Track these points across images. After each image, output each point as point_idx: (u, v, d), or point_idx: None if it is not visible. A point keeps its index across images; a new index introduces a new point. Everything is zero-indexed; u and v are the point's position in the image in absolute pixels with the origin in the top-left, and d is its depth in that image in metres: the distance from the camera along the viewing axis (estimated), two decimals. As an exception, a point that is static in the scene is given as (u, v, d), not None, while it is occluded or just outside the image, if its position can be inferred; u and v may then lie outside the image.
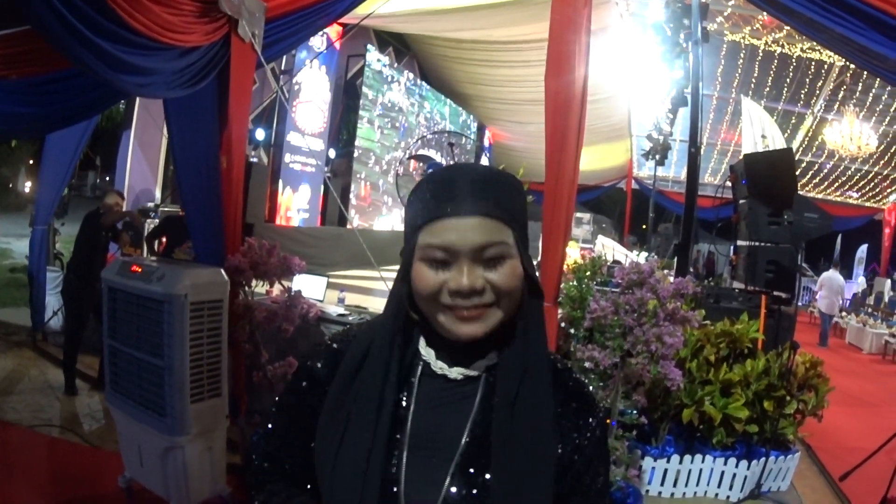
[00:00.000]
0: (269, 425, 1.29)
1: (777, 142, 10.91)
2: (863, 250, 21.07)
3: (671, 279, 3.97)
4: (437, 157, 14.63)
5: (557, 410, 1.16)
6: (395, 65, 14.80)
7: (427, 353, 1.17)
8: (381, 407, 1.10)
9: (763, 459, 4.77)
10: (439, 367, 1.15)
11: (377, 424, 1.09)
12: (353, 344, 1.19)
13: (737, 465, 4.80)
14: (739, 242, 6.63)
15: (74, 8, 2.97)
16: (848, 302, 16.97)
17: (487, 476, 1.08)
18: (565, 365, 1.26)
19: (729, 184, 6.88)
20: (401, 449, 1.11)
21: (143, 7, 3.36)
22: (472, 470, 1.09)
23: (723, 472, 4.81)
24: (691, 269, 6.80)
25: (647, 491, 4.73)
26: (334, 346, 1.23)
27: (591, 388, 1.27)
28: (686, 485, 4.80)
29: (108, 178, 28.26)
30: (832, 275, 14.66)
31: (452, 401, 1.15)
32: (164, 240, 6.67)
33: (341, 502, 1.09)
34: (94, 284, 5.59)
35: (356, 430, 1.10)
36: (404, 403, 1.14)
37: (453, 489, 1.08)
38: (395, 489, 1.09)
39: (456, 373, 1.15)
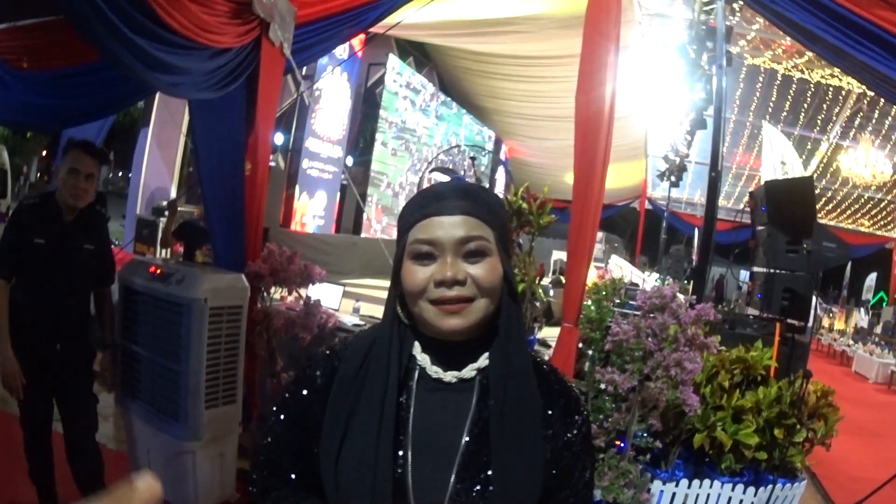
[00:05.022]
0: (270, 436, 1.36)
1: (796, 169, 10.89)
2: (872, 278, 21.07)
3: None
4: (460, 171, 14.57)
5: (547, 411, 1.24)
6: (415, 75, 14.74)
7: (423, 358, 1.23)
8: (384, 409, 1.16)
9: (770, 486, 4.73)
10: (434, 371, 1.22)
11: (381, 426, 1.15)
12: (350, 351, 1.26)
13: (744, 492, 4.73)
14: (756, 269, 6.59)
15: (114, 4, 2.93)
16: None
17: (489, 472, 1.15)
18: (551, 367, 1.35)
19: (748, 209, 6.85)
20: (405, 449, 1.17)
21: (182, 5, 3.33)
22: (473, 467, 1.16)
23: (730, 498, 4.75)
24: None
25: (656, 515, 4.70)
26: (331, 355, 1.30)
27: (576, 389, 1.36)
28: (694, 509, 4.76)
29: (120, 174, 28.36)
30: None
31: (450, 403, 1.21)
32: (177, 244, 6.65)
33: (352, 501, 1.15)
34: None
35: (361, 431, 1.16)
36: (404, 406, 1.20)
37: (459, 486, 1.15)
38: (403, 488, 1.15)
39: (450, 376, 1.21)
